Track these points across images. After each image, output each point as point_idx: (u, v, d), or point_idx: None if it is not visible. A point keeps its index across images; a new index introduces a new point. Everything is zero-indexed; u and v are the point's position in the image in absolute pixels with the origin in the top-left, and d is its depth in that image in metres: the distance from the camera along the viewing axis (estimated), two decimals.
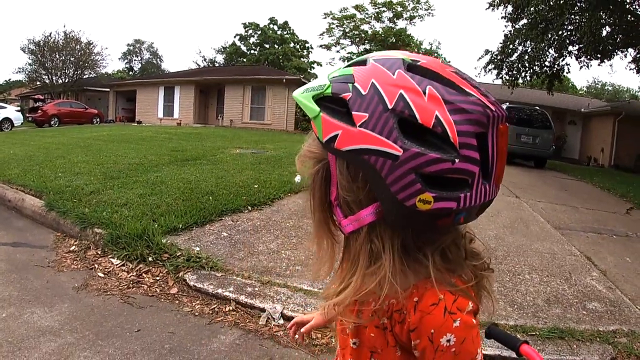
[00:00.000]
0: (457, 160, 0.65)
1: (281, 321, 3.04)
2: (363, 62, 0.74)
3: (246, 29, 51.44)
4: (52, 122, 24.82)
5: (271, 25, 51.44)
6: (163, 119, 28.63)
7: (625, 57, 19.08)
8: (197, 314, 3.13)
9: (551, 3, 16.29)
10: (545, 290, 3.88)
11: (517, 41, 19.39)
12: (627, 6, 16.05)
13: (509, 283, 3.95)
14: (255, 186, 6.20)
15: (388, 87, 0.67)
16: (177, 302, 3.29)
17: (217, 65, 51.23)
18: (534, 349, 1.03)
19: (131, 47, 61.03)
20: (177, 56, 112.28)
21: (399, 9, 39.85)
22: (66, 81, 36.10)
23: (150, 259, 3.79)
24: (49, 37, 35.20)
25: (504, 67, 20.09)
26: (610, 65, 50.38)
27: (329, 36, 42.76)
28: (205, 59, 54.88)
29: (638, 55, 18.67)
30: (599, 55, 17.93)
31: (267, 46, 50.57)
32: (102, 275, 3.66)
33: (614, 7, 15.32)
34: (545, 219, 6.58)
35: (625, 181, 13.58)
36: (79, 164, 7.31)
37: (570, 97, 32.16)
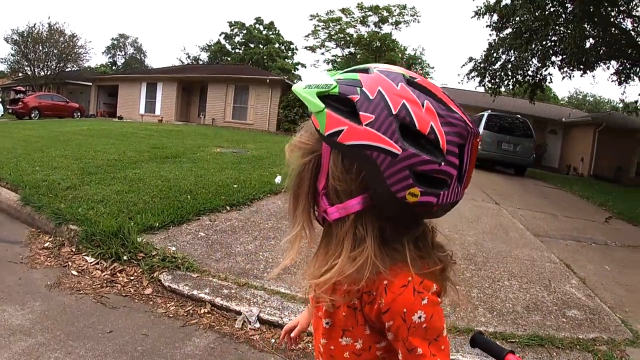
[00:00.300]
0: (442, 164, 0.78)
1: (257, 325, 2.97)
2: (366, 70, 0.84)
3: (232, 28, 51.30)
4: (33, 115, 24.29)
5: (257, 25, 51.32)
6: (144, 115, 28.19)
7: (608, 68, 19.45)
8: (171, 315, 3.04)
9: (536, 14, 16.48)
10: (524, 297, 3.87)
11: (501, 50, 19.56)
12: (612, 19, 16.34)
13: (489, 289, 3.93)
14: (235, 186, 6.11)
15: (393, 96, 0.78)
16: (152, 302, 3.19)
17: (201, 63, 50.91)
18: (520, 358, 1.04)
19: (115, 42, 60.14)
20: (161, 52, 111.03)
21: (385, 13, 39.93)
22: (48, 73, 35.45)
23: (125, 257, 3.68)
24: (33, 28, 34.67)
25: (487, 74, 20.22)
26: (593, 77, 51.17)
27: (314, 38, 42.73)
28: (189, 57, 54.62)
29: (620, 68, 19.03)
30: (581, 67, 18.21)
31: (252, 46, 50.44)
32: (75, 273, 3.54)
33: (599, 19, 15.58)
34: (525, 226, 6.61)
35: (604, 191, 13.80)
36: (57, 158, 7.13)
37: (552, 106, 32.61)
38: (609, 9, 15.82)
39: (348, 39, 41.47)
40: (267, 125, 25.90)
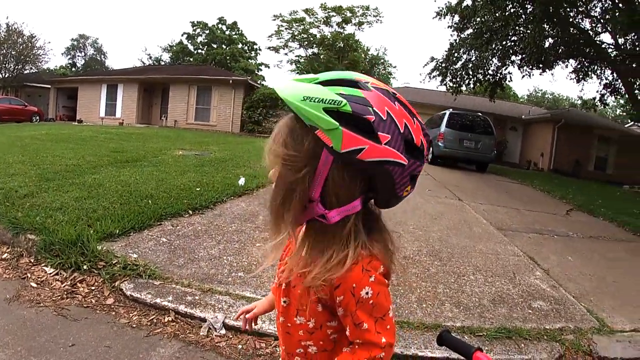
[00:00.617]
0: (422, 166, 0.96)
1: (223, 331, 2.89)
2: (356, 83, 0.92)
3: (194, 28, 50.56)
4: None
5: (220, 25, 50.77)
6: (105, 118, 27.50)
7: (567, 67, 20.14)
8: (134, 325, 2.93)
9: (497, 14, 16.83)
10: (490, 291, 3.90)
11: (462, 50, 19.91)
12: (571, 20, 16.83)
13: (454, 284, 3.95)
14: (198, 189, 5.99)
15: (397, 117, 0.90)
16: (114, 313, 3.07)
17: (163, 63, 50.04)
18: (488, 356, 1.05)
19: (75, 42, 58.37)
20: (122, 53, 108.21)
21: (348, 14, 40.04)
22: (6, 76, 34.19)
23: (85, 267, 3.53)
24: None
25: (449, 74, 20.52)
26: (552, 75, 52.92)
27: (278, 38, 42.46)
28: (150, 57, 53.60)
29: (579, 66, 19.69)
30: (541, 65, 18.73)
31: (215, 46, 49.86)
32: (35, 285, 3.39)
33: (558, 20, 16.02)
34: (488, 221, 6.70)
35: (564, 184, 14.21)
36: (14, 164, 6.85)
37: (512, 104, 33.42)
38: (568, 9, 16.29)
39: (311, 39, 41.41)
40: (231, 126, 25.63)
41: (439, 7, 19.63)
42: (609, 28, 16.29)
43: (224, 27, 50.99)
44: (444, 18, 19.60)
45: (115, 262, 3.59)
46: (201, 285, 3.39)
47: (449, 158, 15.07)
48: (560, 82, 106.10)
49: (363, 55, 45.14)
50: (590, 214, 8.97)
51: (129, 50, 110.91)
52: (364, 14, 40.22)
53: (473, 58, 19.67)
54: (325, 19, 40.52)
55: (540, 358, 2.91)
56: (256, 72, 49.67)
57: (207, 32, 50.21)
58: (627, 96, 19.16)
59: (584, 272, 4.86)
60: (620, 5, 14.12)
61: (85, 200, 4.96)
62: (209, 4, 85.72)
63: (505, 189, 11.61)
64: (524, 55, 18.16)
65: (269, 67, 51.12)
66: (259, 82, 33.95)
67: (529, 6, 15.97)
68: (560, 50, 17.99)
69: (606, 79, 19.52)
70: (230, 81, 25.96)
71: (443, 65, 20.51)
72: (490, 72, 20.15)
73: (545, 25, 16.34)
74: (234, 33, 51.02)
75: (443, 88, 21.47)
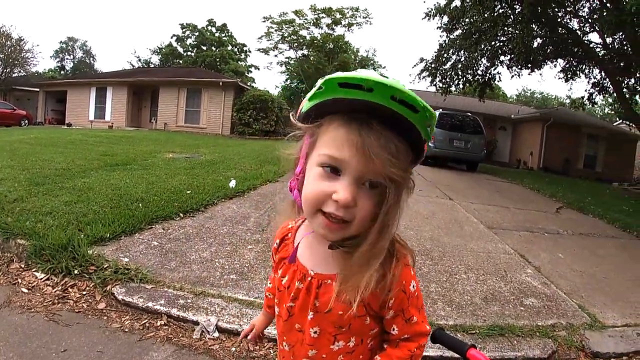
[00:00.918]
0: None
1: (216, 334, 2.87)
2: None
3: (183, 30, 50.45)
4: None
5: (209, 27, 50.71)
6: (94, 121, 27.33)
7: (555, 67, 20.26)
8: (126, 330, 2.90)
9: (485, 15, 16.92)
10: (482, 289, 3.92)
11: (451, 50, 19.98)
12: (559, 20, 16.95)
13: (446, 283, 3.96)
14: (188, 192, 5.96)
15: None
16: (106, 317, 3.04)
17: (152, 66, 49.79)
18: (482, 353, 1.04)
19: (64, 45, 58.04)
20: (111, 56, 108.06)
21: (338, 15, 40.10)
22: None
23: (76, 271, 3.49)
24: None
25: (438, 74, 20.57)
26: (540, 74, 53.30)
27: (268, 40, 42.40)
28: (140, 60, 53.37)
29: (567, 66, 19.83)
30: (529, 65, 18.85)
31: (205, 48, 49.76)
32: (25, 290, 3.35)
33: (547, 20, 16.13)
34: (479, 220, 6.73)
35: (553, 182, 14.32)
36: (3, 169, 6.78)
37: (501, 104, 33.67)
38: (557, 9, 16.41)
39: (301, 40, 41.41)
40: (221, 128, 25.53)
41: (428, 8, 19.68)
42: (597, 28, 16.39)
43: (214, 29, 50.93)
44: (433, 19, 19.66)
45: (106, 266, 3.55)
46: (193, 288, 3.37)
47: (439, 158, 15.14)
48: (548, 82, 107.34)
49: (353, 57, 45.20)
50: (580, 212, 9.04)
51: (118, 53, 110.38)
52: (354, 15, 40.34)
53: (462, 58, 19.75)
54: (314, 20, 40.57)
55: (533, 355, 2.92)
56: (246, 74, 49.67)
57: (197, 34, 50.12)
58: (615, 95, 19.32)
59: (574, 268, 4.89)
60: (608, 5, 14.22)
61: (75, 205, 4.92)
62: (199, 6, 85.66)
63: (495, 188, 11.67)
64: (512, 56, 18.28)
65: (259, 69, 51.10)
66: (249, 84, 33.91)
67: (517, 7, 16.05)
68: (548, 50, 18.12)
69: (594, 78, 19.68)
70: (220, 83, 25.88)
71: (432, 65, 20.57)
72: (479, 72, 20.24)
73: (533, 26, 16.44)
74: (223, 35, 50.96)
75: (433, 89, 21.55)
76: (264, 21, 41.55)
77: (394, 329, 0.97)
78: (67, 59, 58.79)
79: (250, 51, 52.54)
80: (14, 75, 35.41)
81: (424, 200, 7.58)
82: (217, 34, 50.70)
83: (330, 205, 0.86)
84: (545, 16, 15.82)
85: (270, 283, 1.25)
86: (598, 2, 15.56)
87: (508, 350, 2.92)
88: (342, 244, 0.92)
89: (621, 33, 15.03)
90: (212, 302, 3.18)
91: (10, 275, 3.58)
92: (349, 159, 0.84)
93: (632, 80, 17.66)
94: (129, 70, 41.32)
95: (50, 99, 31.76)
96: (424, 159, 0.93)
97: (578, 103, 20.87)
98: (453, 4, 18.22)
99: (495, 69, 20.08)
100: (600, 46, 17.54)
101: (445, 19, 19.24)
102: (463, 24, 18.58)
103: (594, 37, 31.54)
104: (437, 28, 19.88)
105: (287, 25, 40.74)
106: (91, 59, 60.32)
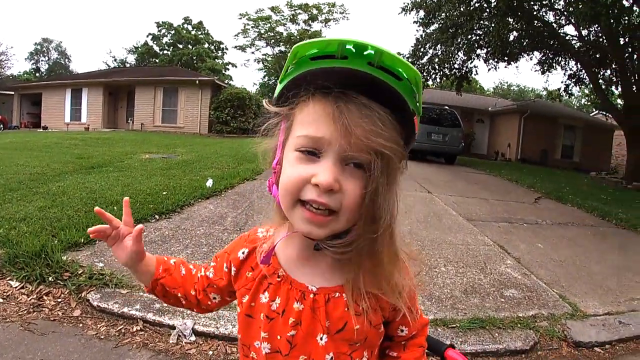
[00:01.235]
0: None
1: (193, 338, 2.80)
2: None
3: (159, 29, 49.97)
4: None
5: (185, 25, 50.31)
6: (70, 123, 26.82)
7: (531, 59, 20.56)
8: (102, 337, 2.81)
9: (461, 9, 17.04)
10: (461, 282, 3.87)
11: (428, 45, 20.13)
12: (535, 13, 17.12)
13: (426, 277, 3.90)
14: (164, 193, 5.84)
15: None
16: (81, 325, 2.94)
17: (128, 65, 49.24)
18: (460, 353, 1.03)
19: (38, 47, 57.21)
20: (86, 56, 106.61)
21: (315, 11, 40.14)
22: None
23: (50, 279, 3.38)
24: None
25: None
26: (517, 67, 53.87)
27: (244, 37, 42.26)
28: (115, 59, 52.89)
29: (543, 58, 20.12)
30: (506, 58, 19.10)
31: (181, 46, 49.36)
32: (0, 300, 3.21)
33: (522, 13, 16.28)
34: (458, 212, 6.71)
35: (531, 173, 14.45)
36: None
37: (478, 97, 33.97)
38: (532, 3, 16.58)
39: (278, 37, 41.33)
40: (199, 127, 25.28)
41: (404, 3, 19.76)
42: (572, 20, 16.62)
43: (190, 27, 50.58)
44: (410, 13, 19.81)
45: (81, 272, 3.45)
46: None
47: (417, 151, 15.15)
48: (525, 74, 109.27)
49: None
50: (558, 201, 9.11)
51: (93, 53, 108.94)
52: (330, 11, 40.38)
53: (439, 52, 19.91)
54: (291, 16, 40.53)
55: (515, 346, 2.88)
56: (223, 71, 49.44)
57: (173, 32, 49.68)
58: (591, 86, 19.63)
59: (554, 258, 4.89)
60: None
61: (49, 210, 4.80)
62: (175, 4, 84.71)
63: (474, 180, 11.71)
64: (489, 49, 18.47)
65: (236, 67, 51.01)
66: (226, 81, 33.65)
67: (492, 0, 16.18)
68: (524, 43, 18.34)
69: (570, 69, 20.00)
70: (197, 82, 25.56)
71: (409, 60, 20.61)
72: (456, 66, 20.44)
73: (509, 19, 16.62)
74: (199, 33, 50.59)
75: None
76: (240, 18, 41.28)
77: (402, 330, 0.92)
78: (42, 60, 58.17)
79: (227, 49, 52.35)
80: None
81: (402, 194, 7.49)
82: (193, 32, 50.32)
83: (310, 191, 0.74)
84: (521, 9, 15.97)
85: (211, 274, 1.11)
86: None
87: (489, 343, 2.87)
88: (331, 244, 0.79)
89: (596, 25, 15.25)
90: None
91: None
92: (328, 135, 0.73)
93: (608, 72, 17.95)
94: (105, 70, 40.73)
95: (25, 102, 31.10)
96: None
97: (555, 95, 21.21)
98: None
99: (472, 62, 20.32)
100: (576, 38, 17.79)
101: (422, 13, 19.38)
102: (439, 18, 18.73)
103: (570, 30, 32.13)
104: (414, 22, 20.07)
105: (263, 22, 40.60)
106: (66, 60, 59.65)
